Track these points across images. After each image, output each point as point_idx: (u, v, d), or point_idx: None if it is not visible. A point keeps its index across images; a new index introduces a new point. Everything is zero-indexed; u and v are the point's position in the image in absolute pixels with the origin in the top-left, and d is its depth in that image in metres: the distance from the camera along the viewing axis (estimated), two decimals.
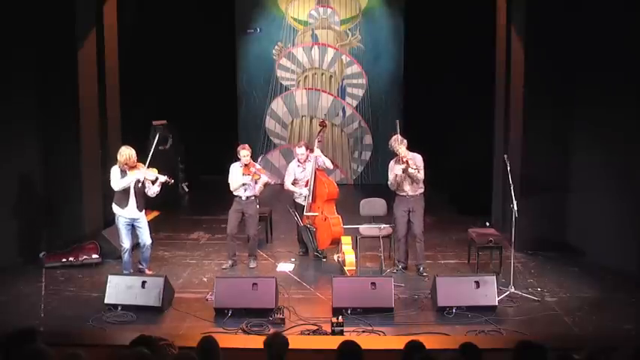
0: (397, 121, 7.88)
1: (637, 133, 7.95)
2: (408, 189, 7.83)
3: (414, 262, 8.08)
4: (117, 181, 7.63)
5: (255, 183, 8.19)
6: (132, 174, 7.60)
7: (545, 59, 8.57)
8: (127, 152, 7.58)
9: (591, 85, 8.39)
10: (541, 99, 8.68)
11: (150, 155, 7.77)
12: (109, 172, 7.72)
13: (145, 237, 7.85)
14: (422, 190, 7.91)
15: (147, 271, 7.89)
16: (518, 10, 8.89)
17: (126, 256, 7.77)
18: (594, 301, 7.18)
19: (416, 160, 7.79)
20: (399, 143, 7.76)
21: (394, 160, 7.88)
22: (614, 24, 8.05)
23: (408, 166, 7.67)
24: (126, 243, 7.72)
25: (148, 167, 7.73)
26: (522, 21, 8.76)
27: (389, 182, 7.90)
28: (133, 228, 7.79)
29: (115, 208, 7.73)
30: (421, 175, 7.79)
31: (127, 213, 7.67)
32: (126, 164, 7.55)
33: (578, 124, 8.64)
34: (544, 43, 8.54)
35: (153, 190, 7.75)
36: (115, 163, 7.71)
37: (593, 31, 8.25)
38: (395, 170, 7.75)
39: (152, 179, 7.68)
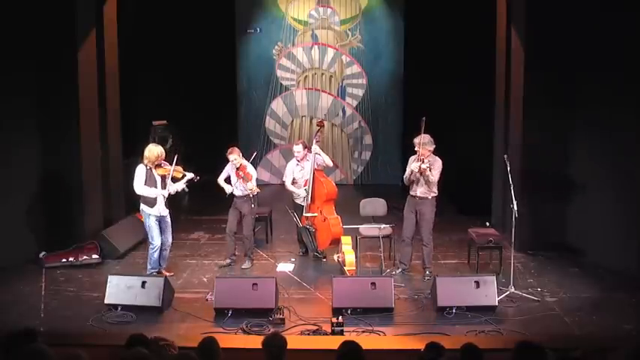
0: (423, 119, 7.57)
1: (637, 133, 7.95)
2: (417, 190, 7.76)
3: (420, 263, 8.03)
4: (141, 185, 7.57)
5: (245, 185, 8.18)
6: (159, 172, 7.64)
7: (545, 59, 8.57)
8: (157, 150, 7.63)
9: (591, 85, 8.39)
10: (541, 99, 8.67)
11: (175, 158, 7.76)
12: (133, 171, 7.68)
13: (169, 235, 7.91)
14: (433, 195, 7.75)
15: (164, 272, 7.91)
16: (518, 10, 8.89)
17: (156, 254, 7.76)
18: (594, 301, 7.18)
19: (435, 164, 7.66)
20: (423, 142, 7.59)
21: (413, 156, 7.80)
22: (615, 24, 8.05)
23: (421, 162, 7.56)
24: (157, 240, 7.73)
25: (174, 165, 7.74)
26: (522, 21, 8.76)
27: (404, 176, 7.86)
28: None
29: (144, 207, 7.70)
30: (433, 178, 7.61)
31: (156, 211, 7.69)
32: (155, 161, 7.56)
33: (578, 124, 8.64)
34: (544, 43, 8.54)
35: (175, 187, 7.79)
36: (141, 162, 7.67)
37: (594, 31, 8.24)
38: (411, 166, 7.66)
39: (179, 177, 7.75)
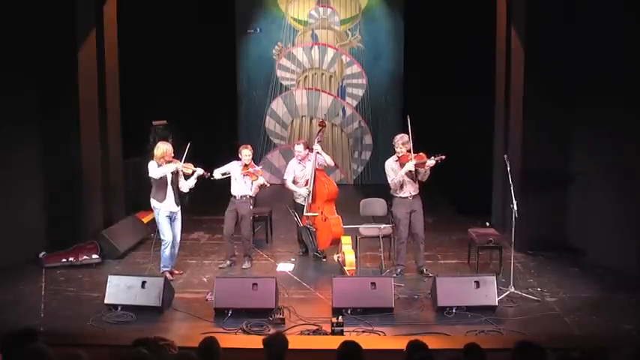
0: (407, 117, 7.63)
1: (637, 133, 7.95)
2: (410, 189, 7.77)
3: (414, 263, 8.05)
4: (155, 170, 7.70)
5: (252, 183, 8.22)
6: (169, 166, 7.71)
7: (545, 59, 8.57)
8: (163, 147, 7.73)
9: (591, 85, 8.39)
10: (541, 99, 8.67)
11: (185, 152, 7.80)
12: (147, 167, 7.80)
13: (178, 232, 7.96)
14: (419, 190, 7.87)
15: (174, 271, 7.96)
16: (518, 10, 8.89)
17: (167, 251, 7.82)
18: (594, 301, 7.18)
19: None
20: (407, 142, 7.64)
21: (393, 159, 7.84)
22: (615, 24, 8.05)
23: (422, 159, 7.54)
24: (168, 236, 7.79)
25: (183, 162, 7.78)
26: (522, 21, 8.76)
27: (391, 182, 7.76)
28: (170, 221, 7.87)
29: (153, 202, 7.79)
30: (429, 173, 7.70)
31: (165, 206, 7.76)
32: (162, 158, 7.66)
33: (578, 124, 8.64)
34: (544, 43, 8.54)
35: (187, 185, 7.89)
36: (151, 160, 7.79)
37: (594, 32, 8.25)
38: (406, 167, 7.59)
39: (189, 173, 7.82)
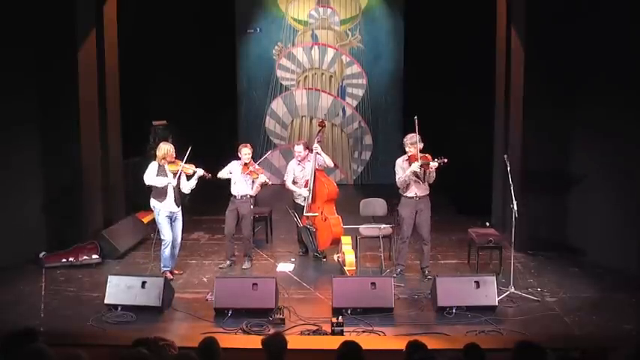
0: (415, 118, 7.55)
1: (637, 133, 7.95)
2: (417, 190, 7.76)
3: (418, 264, 8.05)
4: (150, 176, 7.70)
5: (252, 182, 8.22)
6: (170, 168, 7.72)
7: (545, 59, 8.57)
8: (165, 147, 7.75)
9: (591, 86, 8.40)
10: (541, 99, 8.67)
11: (187, 153, 7.81)
12: (146, 167, 7.82)
13: (178, 233, 7.96)
14: (428, 192, 7.82)
15: (174, 271, 7.98)
16: (518, 10, 8.89)
17: (167, 251, 7.83)
18: (594, 301, 7.18)
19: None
20: (415, 142, 7.60)
21: (402, 158, 7.83)
22: (615, 25, 8.05)
23: (427, 160, 7.53)
24: (167, 236, 7.79)
25: (185, 163, 7.79)
26: (522, 21, 8.76)
27: (398, 180, 7.75)
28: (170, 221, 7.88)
29: (153, 202, 7.79)
30: (434, 174, 7.68)
31: (166, 206, 7.76)
32: (164, 158, 7.68)
33: (578, 124, 8.64)
34: (544, 43, 8.53)
35: (189, 186, 7.91)
36: (153, 160, 7.85)
37: (594, 32, 8.25)
38: (412, 167, 7.57)
39: (190, 173, 7.83)
